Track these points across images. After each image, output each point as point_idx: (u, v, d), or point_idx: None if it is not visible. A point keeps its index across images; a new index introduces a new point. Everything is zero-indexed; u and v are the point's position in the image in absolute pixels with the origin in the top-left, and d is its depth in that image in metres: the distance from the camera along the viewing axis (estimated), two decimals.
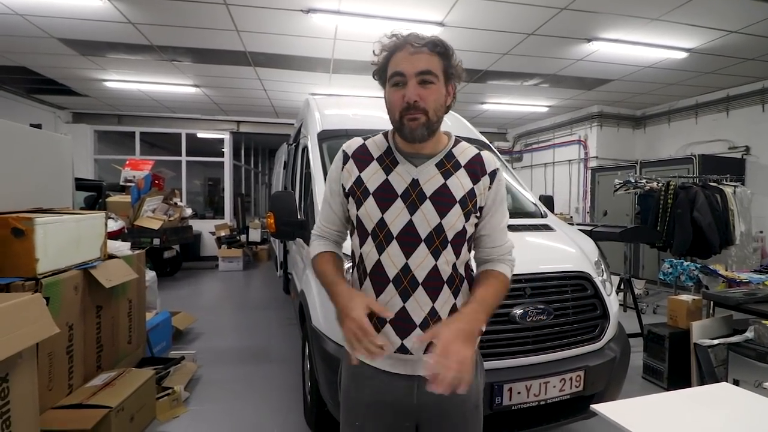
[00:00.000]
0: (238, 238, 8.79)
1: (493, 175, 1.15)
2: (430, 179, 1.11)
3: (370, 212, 1.12)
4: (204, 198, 13.10)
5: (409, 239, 1.09)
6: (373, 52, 1.11)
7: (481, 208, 1.15)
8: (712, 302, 3.08)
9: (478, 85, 6.33)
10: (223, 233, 8.48)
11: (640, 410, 1.22)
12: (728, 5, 3.73)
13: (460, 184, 1.11)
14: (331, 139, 2.80)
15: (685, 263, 4.44)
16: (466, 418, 1.17)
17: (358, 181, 1.15)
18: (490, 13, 3.96)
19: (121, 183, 6.68)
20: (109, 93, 6.98)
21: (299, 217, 2.74)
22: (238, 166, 10.38)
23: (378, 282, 1.11)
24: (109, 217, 4.04)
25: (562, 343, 1.99)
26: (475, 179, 1.13)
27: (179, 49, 4.98)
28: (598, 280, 2.17)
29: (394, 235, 1.09)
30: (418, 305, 1.09)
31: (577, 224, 5.61)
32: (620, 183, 5.20)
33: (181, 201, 7.30)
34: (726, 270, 4.15)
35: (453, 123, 3.21)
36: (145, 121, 8.59)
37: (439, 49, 1.05)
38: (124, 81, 6.31)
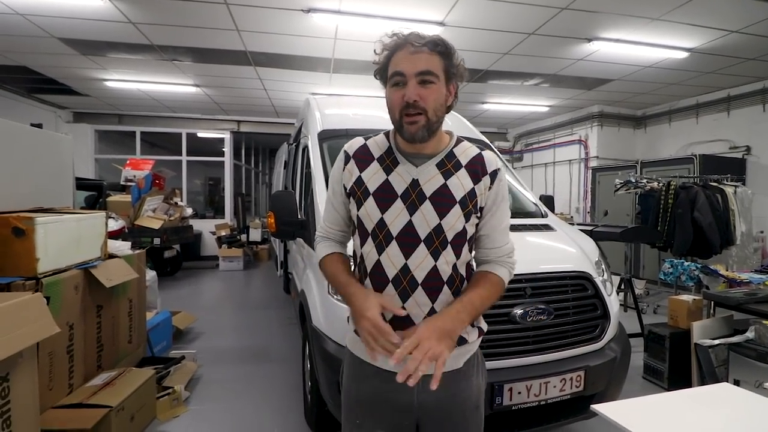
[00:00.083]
0: (238, 237, 8.79)
1: (494, 175, 1.14)
2: (430, 179, 1.10)
3: (370, 212, 1.12)
4: (204, 197, 13.09)
5: (408, 240, 1.09)
6: (374, 51, 1.11)
7: (481, 209, 1.14)
8: (712, 302, 3.08)
9: (478, 84, 6.32)
10: (223, 233, 8.48)
11: (641, 410, 1.22)
12: (729, 5, 3.73)
13: (460, 184, 1.10)
14: (331, 138, 2.80)
15: (686, 263, 4.44)
16: (467, 418, 1.17)
17: (359, 181, 1.15)
18: (491, 12, 3.96)
19: (122, 182, 6.69)
20: (110, 93, 6.98)
21: (299, 216, 2.74)
22: (238, 166, 10.38)
23: (377, 282, 1.11)
24: (110, 217, 4.05)
25: (563, 343, 1.99)
26: (476, 179, 1.12)
27: (180, 48, 4.98)
28: (598, 280, 2.17)
29: (394, 236, 1.09)
30: (418, 305, 1.09)
31: (578, 224, 5.61)
32: (621, 183, 5.20)
33: (181, 200, 7.29)
34: (727, 270, 4.14)
35: (453, 123, 3.20)
36: (145, 120, 8.59)
37: (440, 48, 1.05)
38: (125, 81, 6.31)
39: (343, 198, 1.20)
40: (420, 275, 1.09)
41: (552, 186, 8.84)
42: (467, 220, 1.11)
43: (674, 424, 1.16)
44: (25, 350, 1.62)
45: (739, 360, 2.60)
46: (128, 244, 3.26)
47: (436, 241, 1.08)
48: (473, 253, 1.20)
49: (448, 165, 1.12)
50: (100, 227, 2.68)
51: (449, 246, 1.09)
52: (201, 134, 9.03)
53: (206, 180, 13.18)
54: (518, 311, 1.88)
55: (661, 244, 4.74)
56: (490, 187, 1.14)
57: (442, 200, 1.09)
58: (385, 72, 1.10)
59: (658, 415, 1.20)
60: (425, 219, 1.08)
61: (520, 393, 1.83)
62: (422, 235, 1.08)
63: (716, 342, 2.80)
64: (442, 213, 1.08)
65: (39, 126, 2.83)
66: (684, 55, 4.87)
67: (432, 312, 1.09)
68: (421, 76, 1.03)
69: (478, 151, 1.16)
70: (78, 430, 2.05)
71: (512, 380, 1.83)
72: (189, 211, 7.35)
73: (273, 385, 3.16)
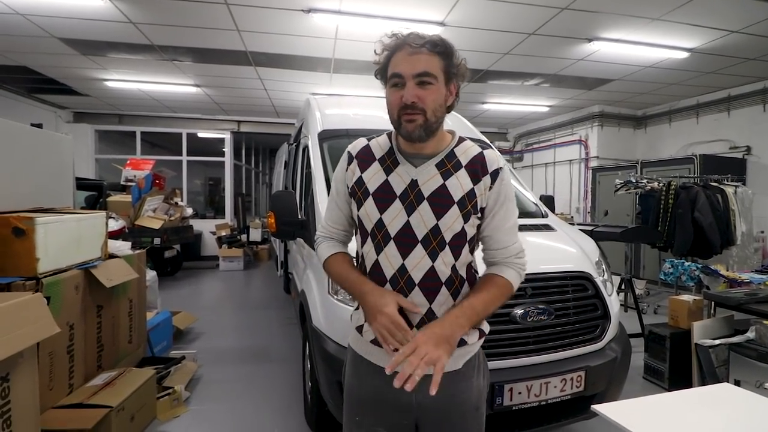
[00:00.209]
0: (238, 237, 8.79)
1: (495, 174, 1.12)
2: (429, 180, 1.10)
3: (369, 213, 1.12)
4: (205, 198, 13.10)
5: (406, 240, 1.09)
6: (375, 51, 1.11)
7: (482, 209, 1.13)
8: (713, 302, 3.08)
9: (478, 84, 6.32)
10: (223, 233, 8.48)
11: (641, 410, 1.22)
12: (729, 5, 3.72)
13: (459, 184, 1.10)
14: (331, 138, 2.80)
15: (686, 263, 4.43)
16: (466, 419, 1.16)
17: (359, 182, 1.15)
18: (491, 12, 3.96)
19: (122, 182, 6.69)
20: (110, 93, 6.98)
21: (300, 216, 2.74)
22: (238, 166, 10.39)
23: (376, 281, 1.12)
24: (110, 217, 4.05)
25: (563, 344, 1.99)
26: (476, 179, 1.11)
27: (180, 48, 4.98)
28: (599, 280, 2.17)
29: (392, 236, 1.09)
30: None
31: (578, 224, 5.61)
32: (621, 183, 5.20)
33: (181, 201, 7.29)
34: (727, 270, 4.14)
35: (453, 123, 3.20)
36: (145, 120, 8.59)
37: (439, 48, 1.04)
38: (125, 81, 6.31)
39: (346, 197, 1.20)
40: (417, 275, 1.08)
41: (552, 186, 8.84)
42: (466, 220, 1.10)
43: (675, 425, 1.16)
44: (25, 350, 1.62)
45: (739, 360, 2.60)
46: (128, 244, 3.26)
47: (433, 242, 1.08)
48: (475, 254, 1.19)
49: (448, 165, 1.11)
50: (101, 227, 2.68)
51: (447, 247, 1.09)
52: (201, 134, 9.03)
53: (206, 180, 13.18)
54: (519, 311, 1.88)
55: (661, 244, 4.74)
56: (490, 187, 1.12)
57: (440, 201, 1.08)
58: (385, 72, 1.10)
59: (659, 416, 1.20)
60: (422, 219, 1.08)
61: (520, 393, 1.83)
62: (419, 235, 1.08)
63: (717, 342, 2.80)
64: (439, 214, 1.08)
65: (39, 126, 2.83)
66: (684, 55, 4.86)
67: (430, 313, 1.09)
68: (419, 77, 1.03)
69: (479, 150, 1.15)
70: (78, 430, 2.05)
71: (513, 380, 1.83)
72: (189, 211, 7.35)
73: (273, 386, 3.16)
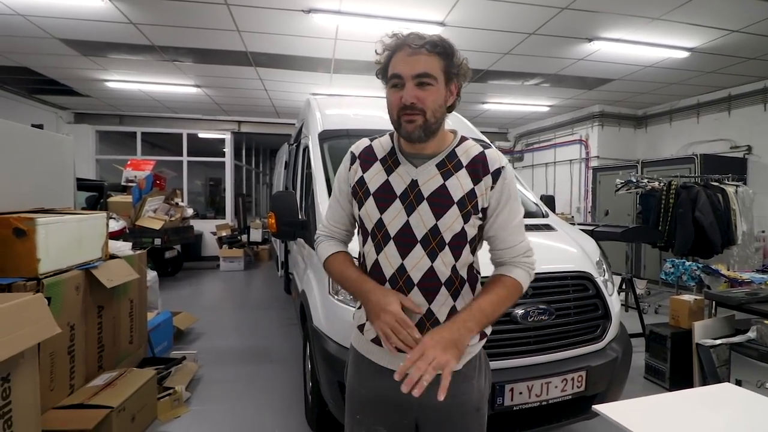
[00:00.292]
0: (239, 238, 8.79)
1: (497, 174, 1.10)
2: (429, 180, 1.10)
3: (369, 212, 1.12)
4: (205, 198, 13.10)
5: (405, 240, 1.09)
6: (376, 51, 1.11)
7: (484, 209, 1.11)
8: (714, 302, 3.08)
9: (479, 84, 6.32)
10: (224, 233, 8.49)
11: (642, 411, 1.22)
12: (729, 5, 3.72)
13: (459, 184, 1.09)
14: (332, 139, 2.80)
15: (687, 263, 4.43)
16: (467, 420, 1.16)
17: (361, 182, 1.16)
18: (491, 12, 3.96)
19: (123, 183, 6.70)
20: (111, 93, 6.99)
21: (300, 217, 2.74)
22: (239, 166, 10.39)
23: (375, 281, 1.12)
24: (111, 217, 4.04)
25: (564, 344, 1.99)
26: (476, 179, 1.10)
27: (180, 49, 4.99)
28: (599, 280, 2.17)
29: (392, 236, 1.10)
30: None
31: (579, 224, 5.60)
32: (622, 183, 5.19)
33: (182, 201, 7.30)
34: (728, 270, 4.14)
35: (454, 123, 3.19)
36: (146, 121, 8.60)
37: (439, 48, 1.04)
38: (126, 81, 6.31)
39: (348, 197, 1.21)
40: (416, 275, 1.08)
41: (553, 186, 8.83)
42: (466, 221, 1.09)
43: (676, 425, 1.16)
44: (26, 351, 1.62)
45: (740, 360, 2.59)
46: (129, 244, 3.26)
47: (432, 242, 1.08)
48: (477, 255, 1.19)
49: (449, 165, 1.11)
50: (101, 228, 2.68)
51: (447, 247, 1.08)
52: (202, 135, 9.03)
53: (207, 180, 13.18)
54: (519, 311, 1.88)
55: (662, 243, 4.73)
56: (492, 187, 1.11)
57: (440, 201, 1.08)
58: (386, 72, 1.10)
59: (660, 416, 1.20)
60: (422, 220, 1.08)
61: (521, 393, 1.83)
62: (419, 235, 1.08)
63: (718, 342, 2.80)
64: (438, 214, 1.07)
65: (40, 127, 2.83)
66: (685, 54, 4.86)
67: (429, 313, 1.09)
68: (418, 78, 1.03)
69: (480, 149, 1.14)
70: (79, 430, 2.05)
71: (513, 380, 1.83)
72: (190, 211, 7.36)
73: (274, 386, 3.16)
